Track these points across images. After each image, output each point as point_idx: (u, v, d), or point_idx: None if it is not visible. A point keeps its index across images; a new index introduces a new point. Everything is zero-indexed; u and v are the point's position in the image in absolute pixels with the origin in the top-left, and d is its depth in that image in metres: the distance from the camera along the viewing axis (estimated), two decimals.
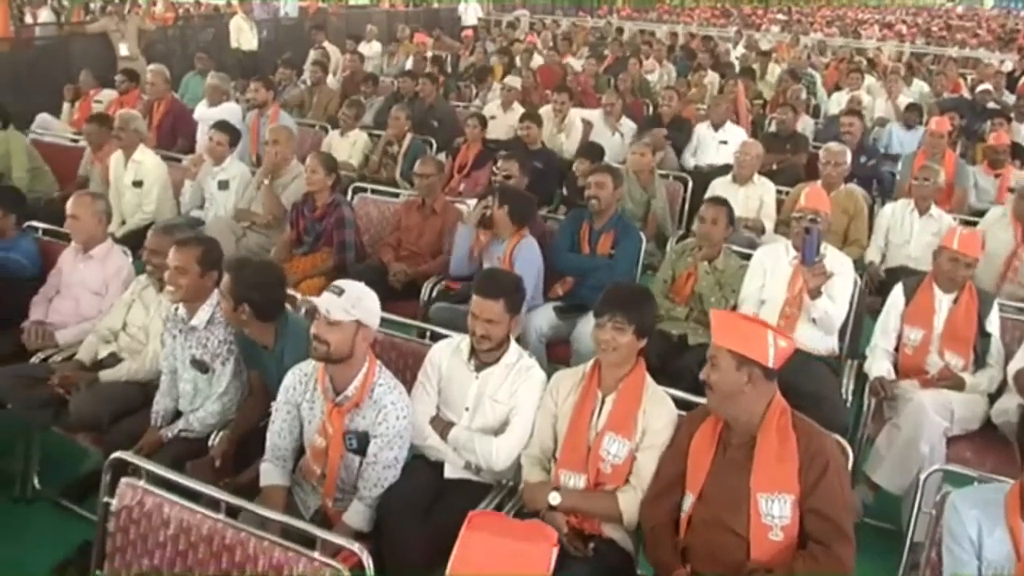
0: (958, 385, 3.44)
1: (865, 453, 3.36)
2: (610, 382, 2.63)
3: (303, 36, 12.65)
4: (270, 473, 2.70)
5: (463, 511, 2.50)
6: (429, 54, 10.60)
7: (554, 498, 2.54)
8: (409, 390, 2.79)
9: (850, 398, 3.56)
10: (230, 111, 6.35)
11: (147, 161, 5.14)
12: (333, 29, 13.65)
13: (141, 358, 3.34)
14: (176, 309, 3.09)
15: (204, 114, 6.46)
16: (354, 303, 2.55)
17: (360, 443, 2.60)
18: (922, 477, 2.67)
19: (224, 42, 11.37)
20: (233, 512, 2.23)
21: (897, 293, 3.70)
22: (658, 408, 2.60)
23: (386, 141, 6.29)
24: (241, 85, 7.77)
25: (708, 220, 3.97)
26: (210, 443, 2.97)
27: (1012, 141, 6.40)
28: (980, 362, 3.53)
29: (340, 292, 2.55)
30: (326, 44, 10.70)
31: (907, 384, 3.45)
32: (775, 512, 2.25)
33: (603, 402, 2.63)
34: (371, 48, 11.57)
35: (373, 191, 5.16)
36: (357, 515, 2.58)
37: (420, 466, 2.76)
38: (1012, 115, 7.80)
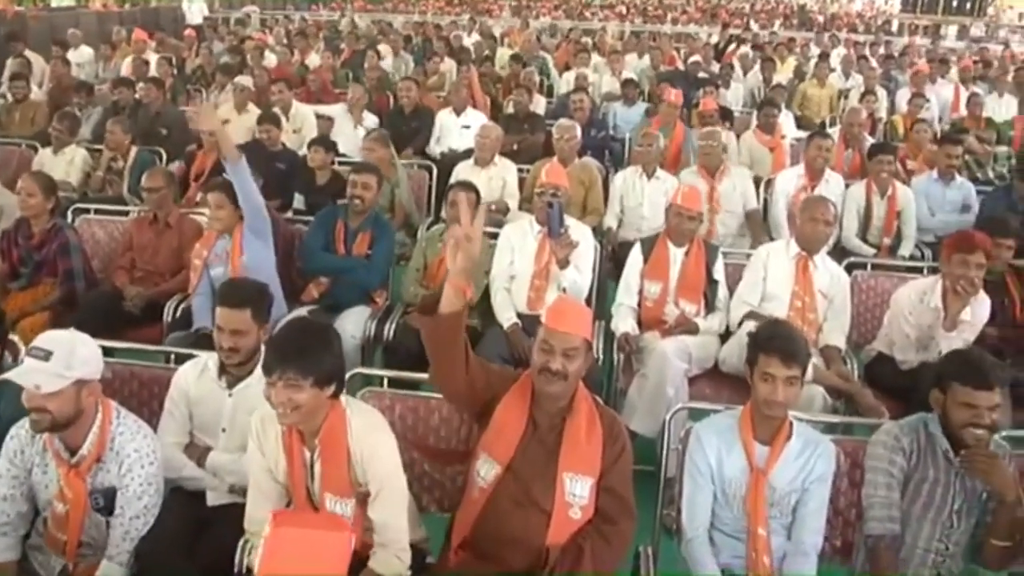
0: (693, 330, 3.78)
1: (619, 405, 3.59)
2: (310, 439, 2.28)
3: None
4: None
5: (233, 537, 2.37)
6: (153, 56, 9.78)
7: None
8: (158, 420, 2.58)
9: (601, 356, 3.76)
10: None
11: None
12: (34, 35, 12.26)
13: None
14: None
15: None
16: (67, 363, 2.23)
17: (108, 500, 2.35)
18: (667, 417, 2.89)
19: None
20: None
21: (636, 252, 3.99)
22: (371, 439, 2.27)
23: (109, 156, 5.77)
24: None
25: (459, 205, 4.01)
26: None
27: (720, 105, 7.11)
28: (710, 307, 3.90)
29: (47, 355, 2.21)
30: (27, 52, 9.58)
31: (649, 336, 3.73)
32: (577, 491, 2.31)
33: (313, 461, 2.28)
34: (81, 54, 10.52)
35: (97, 211, 4.70)
36: None
37: (178, 499, 2.56)
38: (719, 83, 8.71)
